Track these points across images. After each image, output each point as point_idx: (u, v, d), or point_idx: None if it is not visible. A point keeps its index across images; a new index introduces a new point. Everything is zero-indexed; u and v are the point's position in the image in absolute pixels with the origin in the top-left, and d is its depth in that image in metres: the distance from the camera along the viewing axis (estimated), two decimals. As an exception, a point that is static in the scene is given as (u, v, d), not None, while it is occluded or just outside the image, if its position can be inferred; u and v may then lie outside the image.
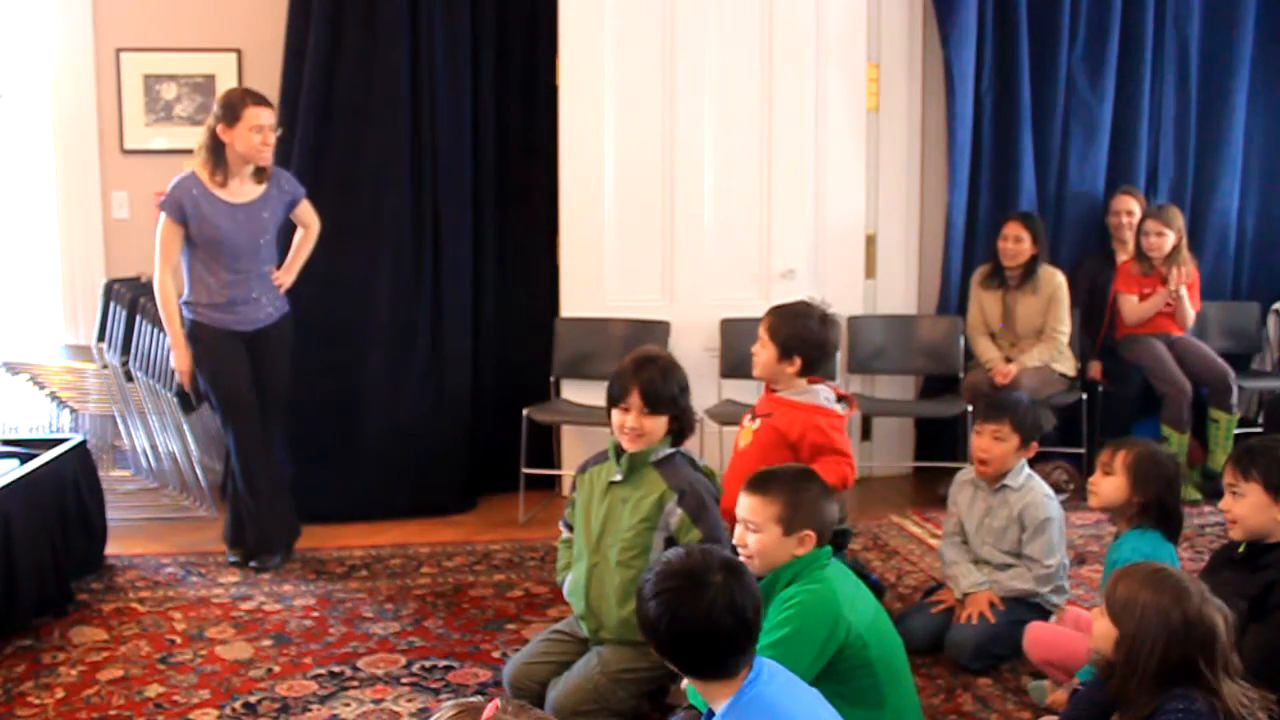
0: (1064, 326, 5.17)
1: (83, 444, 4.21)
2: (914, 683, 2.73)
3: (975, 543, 3.57)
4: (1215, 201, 5.78)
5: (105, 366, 4.85)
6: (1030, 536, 3.44)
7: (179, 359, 4.15)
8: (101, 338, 4.91)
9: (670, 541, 2.97)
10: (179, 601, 3.91)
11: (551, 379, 5.19)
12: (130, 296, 4.83)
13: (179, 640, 3.58)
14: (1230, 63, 5.68)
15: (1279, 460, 2.74)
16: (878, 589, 3.58)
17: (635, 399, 3.03)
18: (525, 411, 4.92)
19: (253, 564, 4.22)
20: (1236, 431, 5.17)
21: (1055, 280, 5.18)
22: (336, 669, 3.37)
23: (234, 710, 3.11)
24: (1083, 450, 5.21)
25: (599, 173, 5.11)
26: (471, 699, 1.52)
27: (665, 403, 3.04)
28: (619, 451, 3.09)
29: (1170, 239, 5.23)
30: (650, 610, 2.08)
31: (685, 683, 2.34)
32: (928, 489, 5.30)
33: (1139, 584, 2.19)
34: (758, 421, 3.52)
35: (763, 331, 3.50)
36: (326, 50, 4.89)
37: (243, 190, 4.12)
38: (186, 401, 4.80)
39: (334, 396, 4.91)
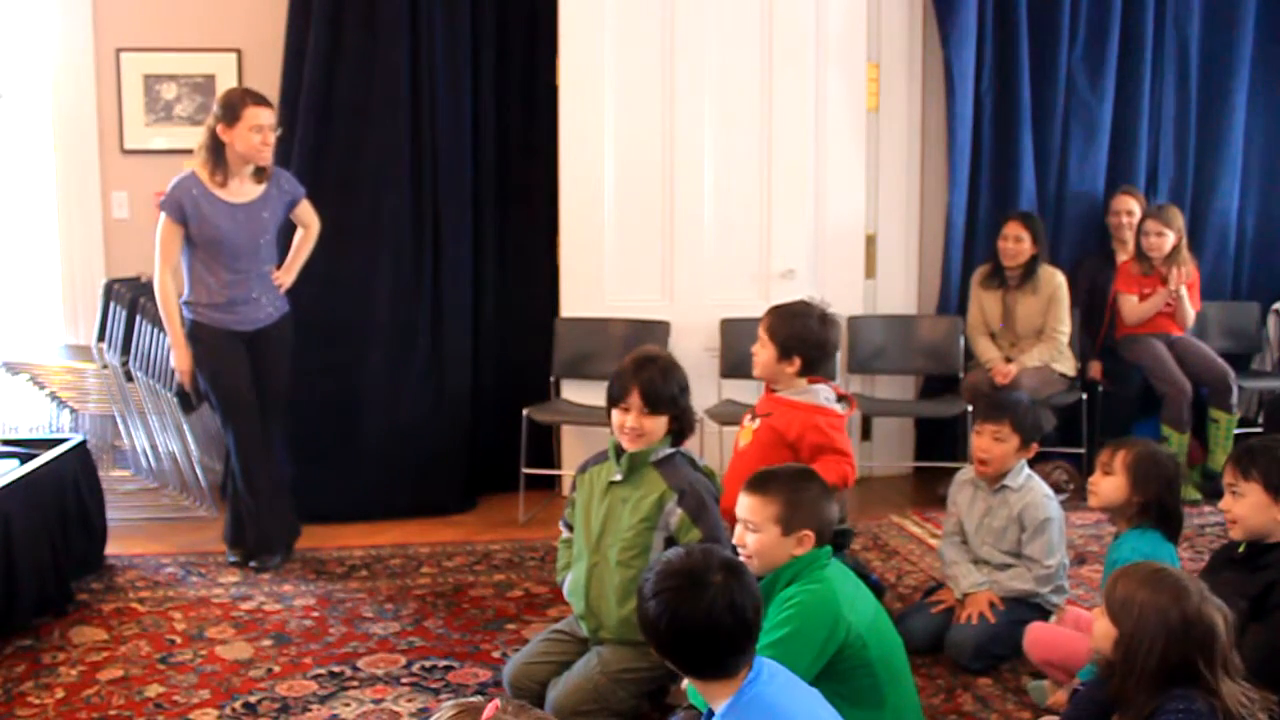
0: (1064, 326, 5.17)
1: (83, 444, 4.21)
2: (914, 683, 2.73)
3: (975, 543, 3.57)
4: (1215, 201, 5.78)
5: (105, 366, 4.85)
6: (1030, 537, 3.44)
7: (179, 359, 4.15)
8: (101, 338, 4.91)
9: (670, 541, 2.97)
10: (179, 601, 3.91)
11: (551, 379, 5.19)
12: (130, 296, 4.83)
13: (179, 640, 3.58)
14: (1230, 63, 5.68)
15: (1279, 460, 2.74)
16: (878, 589, 3.57)
17: (635, 399, 3.03)
18: (525, 411, 4.92)
19: (253, 564, 4.22)
20: (1236, 431, 5.17)
21: (1055, 280, 5.18)
22: (336, 669, 3.37)
23: (234, 710, 3.11)
24: (1083, 450, 5.20)
25: (599, 173, 5.11)
26: (471, 699, 1.52)
27: (665, 403, 3.04)
28: (619, 451, 3.09)
29: (1170, 239, 5.23)
30: (650, 610, 2.08)
31: (685, 683, 2.34)
32: (928, 489, 5.30)
33: (1138, 583, 2.19)
34: (757, 421, 3.52)
35: (762, 331, 3.50)
36: (326, 50, 4.89)
37: (243, 190, 4.12)
38: (186, 401, 4.80)
39: (334, 396, 4.91)
